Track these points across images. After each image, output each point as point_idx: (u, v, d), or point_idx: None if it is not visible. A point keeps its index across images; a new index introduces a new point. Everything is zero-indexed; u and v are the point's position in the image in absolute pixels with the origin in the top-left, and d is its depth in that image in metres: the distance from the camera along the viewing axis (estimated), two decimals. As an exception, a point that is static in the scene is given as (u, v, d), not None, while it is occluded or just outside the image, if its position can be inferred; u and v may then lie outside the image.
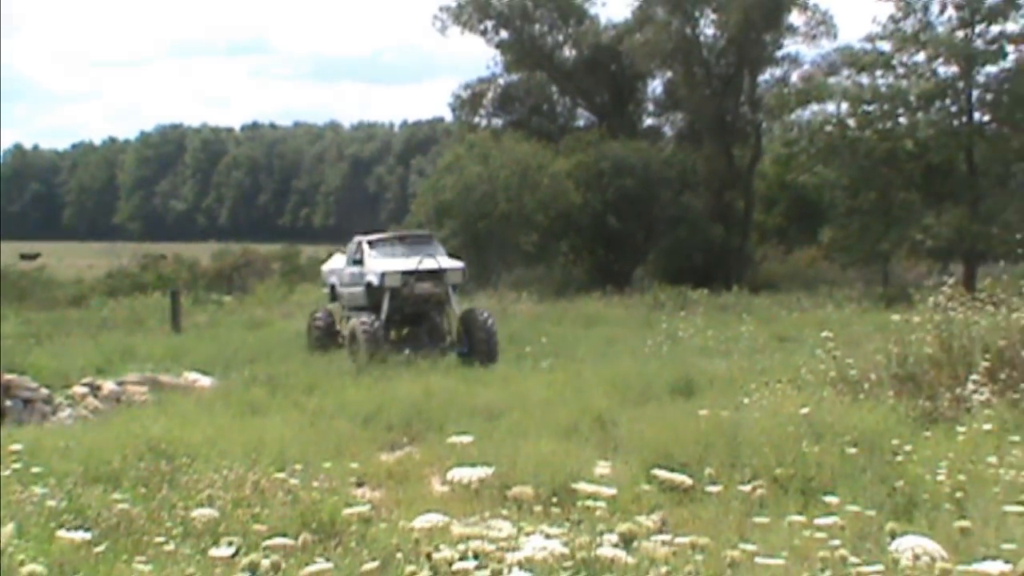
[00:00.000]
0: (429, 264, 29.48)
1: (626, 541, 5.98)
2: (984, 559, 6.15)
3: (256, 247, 69.03)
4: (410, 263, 29.45)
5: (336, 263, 32.40)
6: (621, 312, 41.54)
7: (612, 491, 7.42)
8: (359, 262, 30.25)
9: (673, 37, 58.71)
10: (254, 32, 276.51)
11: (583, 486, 7.52)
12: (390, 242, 31.09)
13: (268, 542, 7.54)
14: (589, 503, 7.18)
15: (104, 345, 31.67)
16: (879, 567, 6.05)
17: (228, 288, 54.70)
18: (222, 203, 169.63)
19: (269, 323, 39.26)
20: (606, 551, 6.04)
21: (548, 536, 6.51)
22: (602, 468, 13.29)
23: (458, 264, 30.50)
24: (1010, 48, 51.79)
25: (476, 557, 6.10)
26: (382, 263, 29.58)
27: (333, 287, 31.92)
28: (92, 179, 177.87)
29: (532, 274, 55.34)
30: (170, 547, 8.77)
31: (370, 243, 30.57)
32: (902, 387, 15.71)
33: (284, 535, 8.31)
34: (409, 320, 29.85)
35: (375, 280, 29.39)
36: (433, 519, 6.32)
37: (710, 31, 60.51)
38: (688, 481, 8.51)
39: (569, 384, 21.95)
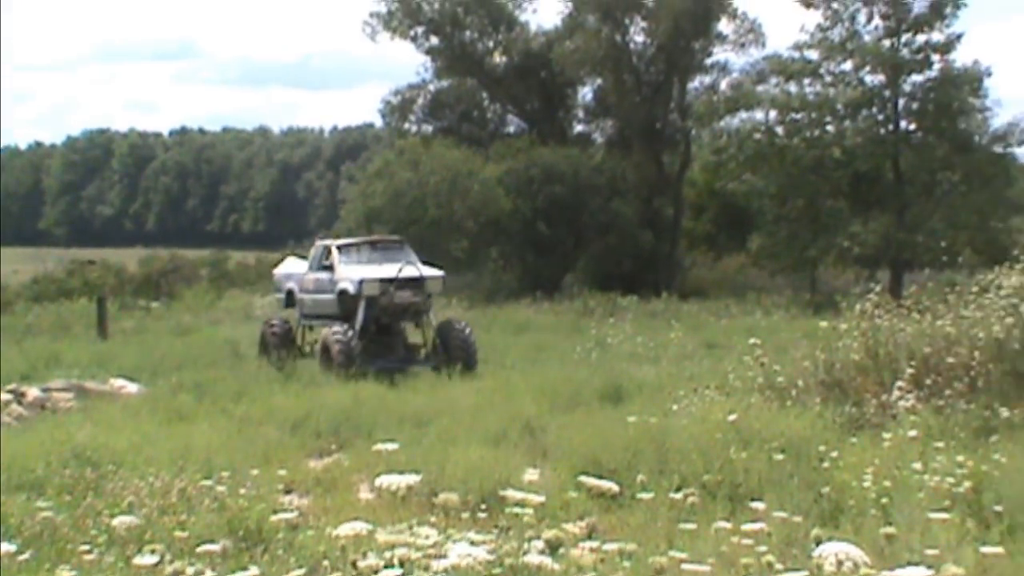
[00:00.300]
0: (410, 271, 27.97)
1: (553, 548, 5.99)
2: (908, 565, 6.19)
3: (184, 253, 68.67)
4: (387, 270, 27.94)
5: (292, 267, 30.99)
6: (550, 318, 41.63)
7: (540, 498, 7.42)
8: (328, 268, 28.69)
9: (603, 44, 58.86)
10: (182, 36, 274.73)
11: (511, 493, 7.51)
12: (361, 247, 29.63)
13: (199, 549, 7.51)
14: (517, 510, 7.17)
15: (29, 351, 31.36)
16: (804, 573, 6.08)
17: (155, 294, 54.22)
18: (150, 208, 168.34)
19: (197, 329, 39.01)
20: (533, 558, 6.04)
21: (474, 543, 6.50)
22: (531, 475, 13.29)
23: (438, 272, 29.02)
24: (935, 57, 52.36)
25: (402, 565, 6.09)
26: (358, 270, 28.03)
27: (290, 293, 30.19)
28: (18, 184, 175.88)
29: (462, 280, 55.15)
30: (93, 556, 8.69)
31: (340, 248, 29.09)
32: (829, 394, 15.81)
33: (211, 542, 8.27)
34: (379, 331, 28.36)
35: (351, 287, 27.70)
36: (358, 526, 6.30)
37: (640, 39, 60.73)
38: (614, 488, 8.52)
39: (498, 391, 21.93)
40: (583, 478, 8.89)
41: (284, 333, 29.64)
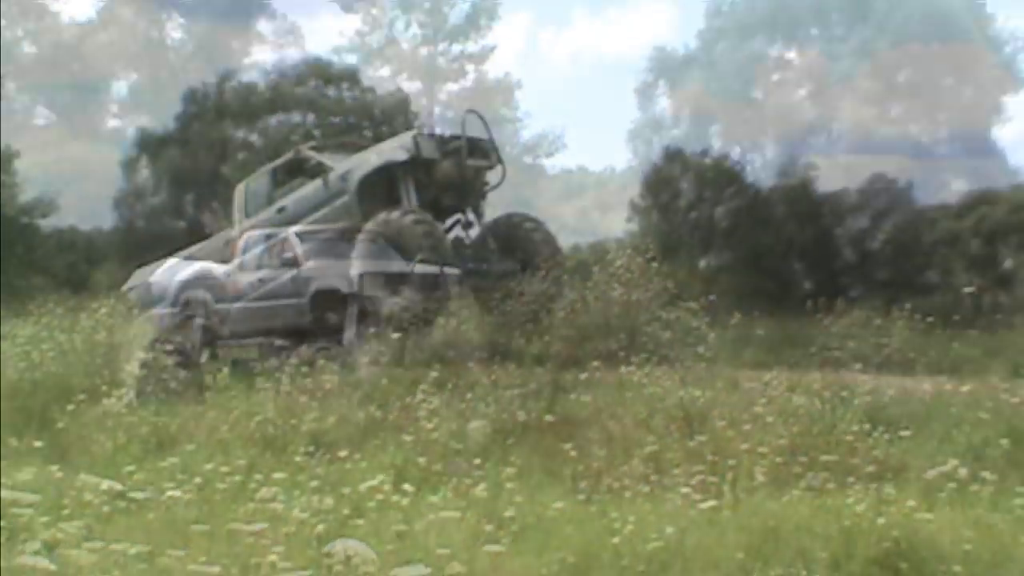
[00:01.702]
0: (427, 267, 20.29)
1: (50, 548, 5.78)
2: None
3: None
4: (384, 264, 20.38)
5: (187, 270, 23.29)
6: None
7: (35, 498, 7.19)
8: (288, 263, 21.32)
9: (139, 39, 57.96)
10: None
11: (5, 494, 7.25)
12: (322, 236, 21.69)
13: None
14: (15, 511, 6.90)
15: None
16: (309, 572, 6.02)
17: None
18: None
19: None
20: (27, 559, 5.78)
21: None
22: (26, 474, 12.83)
23: (455, 269, 20.85)
24: (470, 68, 53.89)
25: None
26: (344, 264, 20.63)
27: (190, 304, 22.63)
28: None
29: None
30: None
31: (300, 236, 21.61)
32: None
33: None
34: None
35: (342, 287, 20.50)
36: None
37: (177, 35, 60.16)
38: (117, 486, 8.33)
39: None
40: (83, 476, 8.63)
41: (187, 362, 20.97)
